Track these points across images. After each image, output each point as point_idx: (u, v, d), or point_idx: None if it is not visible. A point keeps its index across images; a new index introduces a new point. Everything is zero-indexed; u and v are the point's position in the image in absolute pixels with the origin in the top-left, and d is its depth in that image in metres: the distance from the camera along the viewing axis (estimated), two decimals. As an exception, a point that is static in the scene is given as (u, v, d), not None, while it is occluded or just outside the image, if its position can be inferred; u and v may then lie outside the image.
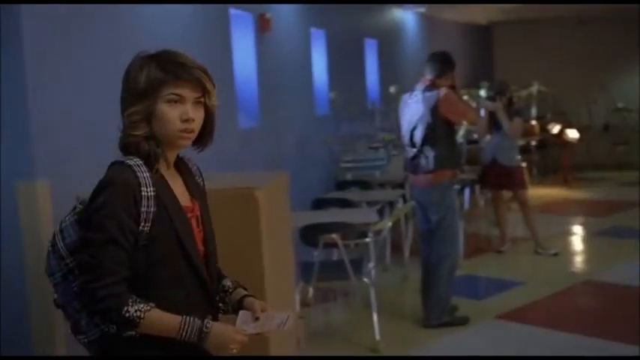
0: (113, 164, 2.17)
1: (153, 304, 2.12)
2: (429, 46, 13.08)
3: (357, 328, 5.90)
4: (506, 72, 14.24)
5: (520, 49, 15.94)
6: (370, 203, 7.11)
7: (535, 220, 8.33)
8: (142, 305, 2.09)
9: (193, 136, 2.22)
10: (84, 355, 2.39)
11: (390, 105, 10.29)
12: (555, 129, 13.60)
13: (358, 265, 5.63)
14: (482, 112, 7.98)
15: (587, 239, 9.36)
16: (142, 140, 2.16)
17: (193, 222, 2.27)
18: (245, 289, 2.43)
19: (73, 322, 2.26)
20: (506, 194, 8.70)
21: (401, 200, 7.66)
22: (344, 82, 10.12)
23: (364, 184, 8.17)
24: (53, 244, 2.24)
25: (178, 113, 2.17)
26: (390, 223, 6.35)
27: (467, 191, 8.54)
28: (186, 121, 2.17)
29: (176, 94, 2.16)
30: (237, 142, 7.17)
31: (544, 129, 13.40)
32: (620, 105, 15.25)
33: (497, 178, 8.15)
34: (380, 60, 11.69)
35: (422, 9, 13.21)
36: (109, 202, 2.09)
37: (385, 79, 11.41)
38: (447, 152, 5.82)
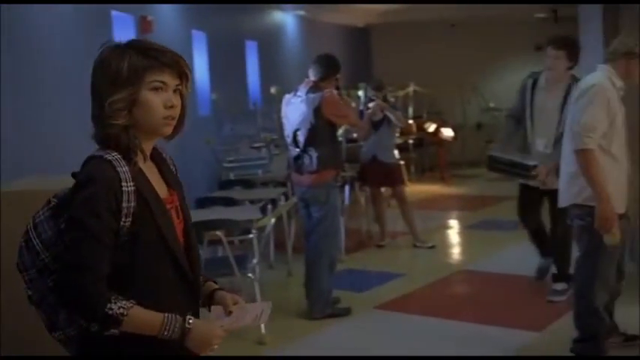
0: (91, 159, 2.13)
1: (135, 302, 2.08)
2: (308, 47, 13.32)
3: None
4: (384, 73, 14.58)
5: (397, 51, 16.37)
6: (253, 201, 7.24)
7: (413, 216, 8.64)
8: (124, 302, 2.06)
9: (174, 123, 2.21)
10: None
11: (272, 105, 10.46)
12: (431, 128, 14.09)
13: (242, 261, 5.75)
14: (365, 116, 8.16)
15: (462, 232, 9.82)
16: (122, 131, 2.12)
17: (173, 213, 2.25)
18: (215, 282, 2.43)
19: (48, 319, 2.22)
20: (386, 191, 8.99)
21: (283, 198, 7.82)
22: (225, 83, 10.21)
23: (247, 183, 8.26)
24: (26, 240, 2.20)
25: (162, 100, 2.15)
26: (272, 220, 6.48)
27: (347, 188, 8.77)
28: (170, 107, 2.16)
29: (160, 82, 2.14)
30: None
31: (421, 128, 13.82)
32: (491, 105, 15.91)
33: (377, 175, 8.43)
34: (260, 61, 11.84)
35: (301, 11, 13.42)
36: (89, 199, 2.05)
37: (266, 80, 11.56)
38: (330, 152, 6.00)
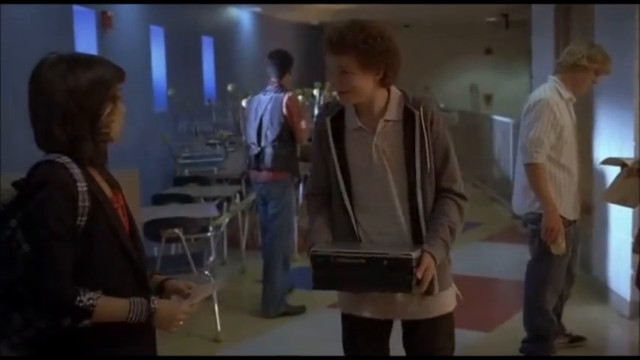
0: (40, 164, 2.19)
1: (101, 292, 2.15)
2: (263, 44, 13.38)
3: (199, 319, 6.06)
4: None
5: (350, 49, 16.48)
6: (208, 199, 7.29)
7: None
8: (92, 294, 2.13)
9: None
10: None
11: (227, 102, 10.50)
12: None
13: (199, 258, 5.80)
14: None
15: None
16: (82, 140, 2.21)
17: (119, 212, 2.33)
18: (159, 274, 2.54)
19: None
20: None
21: (238, 196, 7.87)
22: (182, 78, 10.23)
23: (202, 180, 8.28)
24: None
25: (123, 110, 2.30)
26: (228, 218, 6.54)
27: (301, 186, 8.85)
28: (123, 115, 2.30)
29: (118, 92, 2.27)
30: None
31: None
32: (442, 105, 16.12)
33: None
34: (216, 57, 11.87)
35: (257, 8, 13.48)
36: (48, 200, 2.12)
37: (221, 77, 11.60)
38: (290, 151, 6.16)
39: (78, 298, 2.11)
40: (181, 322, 2.32)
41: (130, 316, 2.20)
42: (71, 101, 2.18)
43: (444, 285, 2.96)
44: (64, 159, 2.18)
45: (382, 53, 2.77)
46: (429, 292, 2.84)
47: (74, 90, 2.19)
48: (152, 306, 2.24)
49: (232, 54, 12.66)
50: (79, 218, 2.15)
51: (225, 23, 12.55)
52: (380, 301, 2.91)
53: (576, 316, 5.34)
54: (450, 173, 2.92)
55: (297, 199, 8.53)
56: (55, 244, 2.11)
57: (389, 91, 2.91)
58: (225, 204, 7.38)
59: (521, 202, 4.67)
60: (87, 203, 2.16)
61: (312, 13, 15.28)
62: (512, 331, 5.30)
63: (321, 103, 11.28)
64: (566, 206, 4.49)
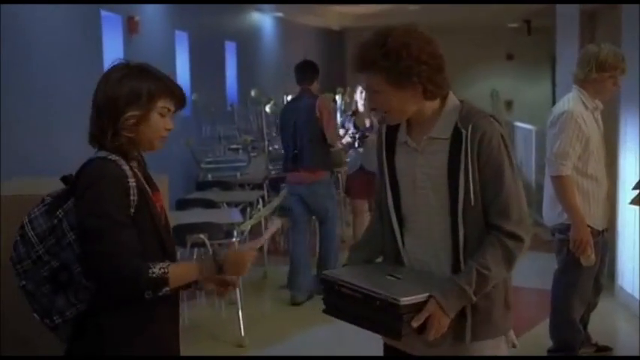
0: (93, 160, 2.39)
1: (168, 262, 2.36)
2: (285, 49, 13.41)
3: (223, 324, 6.09)
4: (358, 77, 14.75)
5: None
6: (230, 204, 7.32)
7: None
8: (161, 264, 2.33)
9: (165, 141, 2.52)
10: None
11: (249, 107, 10.53)
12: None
13: (223, 264, 5.81)
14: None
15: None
16: (128, 141, 2.41)
17: (158, 209, 2.50)
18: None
19: (41, 307, 2.40)
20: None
21: (260, 201, 7.89)
22: (205, 83, 10.28)
23: (225, 185, 8.30)
24: (22, 234, 2.40)
25: (164, 124, 2.47)
26: (252, 224, 6.56)
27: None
28: (168, 130, 2.48)
29: (167, 108, 2.46)
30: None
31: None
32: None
33: (362, 185, 7.62)
34: (239, 62, 11.90)
35: (279, 13, 13.51)
36: (105, 192, 2.31)
37: (244, 82, 11.63)
38: (326, 151, 6.57)
39: (150, 271, 2.29)
40: (249, 265, 2.49)
41: (201, 271, 2.41)
42: (109, 97, 2.39)
43: (482, 334, 2.52)
44: (115, 156, 2.38)
45: (409, 68, 2.43)
46: (459, 337, 2.51)
47: (111, 92, 2.40)
48: (217, 258, 2.42)
49: (255, 59, 12.69)
50: (130, 210, 2.35)
51: (247, 28, 12.59)
52: (415, 336, 2.45)
53: (602, 325, 5.31)
54: (501, 207, 2.47)
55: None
56: (119, 231, 2.29)
57: (445, 101, 2.58)
58: (247, 209, 7.40)
59: (550, 213, 4.65)
60: (135, 197, 2.36)
61: (334, 18, 15.29)
62: (538, 339, 5.28)
63: (343, 108, 11.29)
64: (595, 216, 4.47)
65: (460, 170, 2.45)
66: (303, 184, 6.53)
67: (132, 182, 2.35)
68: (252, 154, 9.55)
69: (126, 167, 2.37)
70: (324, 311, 2.62)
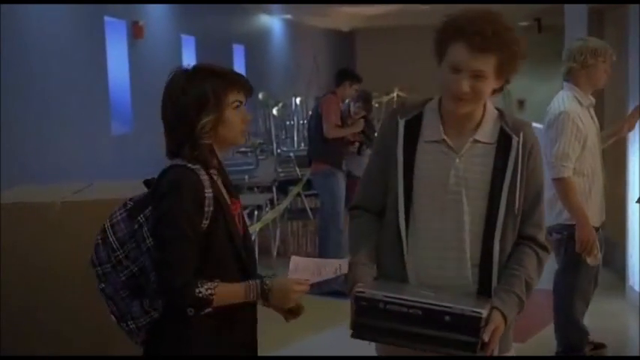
0: (173, 167, 2.37)
1: (218, 281, 2.32)
2: (294, 51, 13.40)
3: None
4: (368, 78, 14.70)
5: (381, 55, 16.47)
6: (239, 207, 7.30)
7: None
8: (209, 284, 2.30)
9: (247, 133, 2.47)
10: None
11: (257, 110, 10.52)
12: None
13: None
14: None
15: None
16: (207, 149, 2.37)
17: (236, 219, 2.46)
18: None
19: (119, 310, 2.44)
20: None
21: (269, 204, 7.88)
22: (213, 87, 10.27)
23: (233, 188, 8.28)
24: (103, 238, 2.43)
25: (241, 117, 2.43)
26: (260, 227, 6.55)
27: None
28: (246, 122, 2.46)
29: (238, 101, 2.41)
30: (110, 149, 7.23)
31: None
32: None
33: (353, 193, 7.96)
34: (247, 65, 11.90)
35: (288, 15, 13.50)
36: (179, 202, 2.30)
37: (252, 84, 11.60)
38: (327, 144, 6.82)
39: (197, 290, 2.27)
40: (297, 299, 2.42)
41: (247, 296, 2.36)
42: (177, 110, 2.37)
43: (504, 348, 2.41)
44: (195, 165, 2.35)
45: (518, 59, 2.38)
46: (503, 349, 2.40)
47: (178, 105, 2.37)
48: (265, 287, 2.35)
49: (263, 62, 12.69)
50: (203, 221, 2.32)
51: (255, 31, 12.58)
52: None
53: (596, 322, 5.26)
54: (537, 219, 2.45)
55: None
56: (182, 244, 2.29)
57: (484, 106, 2.42)
58: (256, 212, 7.39)
59: (547, 214, 4.61)
60: (211, 208, 2.33)
61: (343, 20, 15.26)
62: (547, 340, 5.24)
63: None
64: (592, 214, 4.43)
65: (506, 177, 2.36)
66: (311, 174, 7.21)
67: (208, 193, 2.32)
68: (260, 157, 9.53)
69: (205, 177, 2.33)
70: (354, 335, 2.34)
